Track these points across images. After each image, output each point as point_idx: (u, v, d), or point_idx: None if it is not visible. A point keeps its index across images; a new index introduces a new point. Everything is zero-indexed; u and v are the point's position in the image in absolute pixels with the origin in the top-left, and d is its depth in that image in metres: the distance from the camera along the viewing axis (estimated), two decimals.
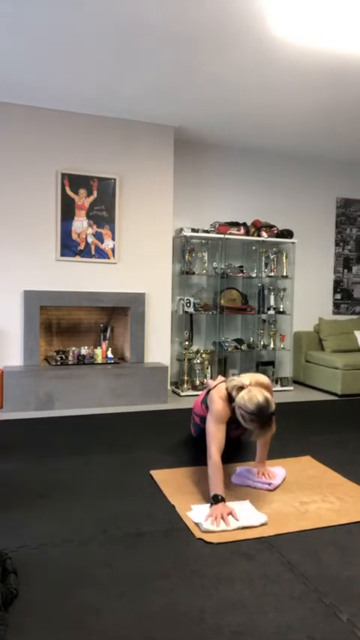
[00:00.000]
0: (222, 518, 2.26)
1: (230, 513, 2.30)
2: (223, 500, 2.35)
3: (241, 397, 2.48)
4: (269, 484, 2.69)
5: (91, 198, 4.77)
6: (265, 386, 2.72)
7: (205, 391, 3.07)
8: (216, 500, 2.35)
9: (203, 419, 2.99)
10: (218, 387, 2.70)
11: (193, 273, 5.37)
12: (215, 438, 2.54)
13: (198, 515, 2.34)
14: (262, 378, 2.77)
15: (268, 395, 2.49)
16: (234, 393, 2.55)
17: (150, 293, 5.05)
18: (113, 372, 4.65)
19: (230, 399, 2.61)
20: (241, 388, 2.55)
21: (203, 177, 5.64)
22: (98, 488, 2.67)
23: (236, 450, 3.35)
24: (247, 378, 2.65)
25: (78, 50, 3.55)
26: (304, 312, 6.13)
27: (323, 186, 6.17)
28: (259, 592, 1.79)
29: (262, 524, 2.27)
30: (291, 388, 5.60)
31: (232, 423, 2.71)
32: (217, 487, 2.41)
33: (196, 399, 3.28)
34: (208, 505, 2.39)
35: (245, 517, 2.31)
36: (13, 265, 4.58)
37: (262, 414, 2.41)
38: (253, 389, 2.51)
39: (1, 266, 4.55)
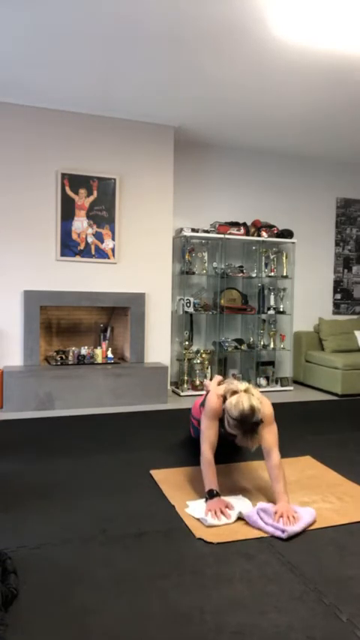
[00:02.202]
0: (221, 512, 2.34)
1: (227, 506, 2.38)
2: (218, 495, 2.43)
3: (229, 402, 2.46)
4: (282, 531, 2.18)
5: (91, 198, 4.77)
6: (265, 404, 2.60)
7: (204, 395, 3.05)
8: (211, 495, 2.43)
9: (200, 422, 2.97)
10: (216, 387, 2.68)
11: (193, 273, 5.37)
12: (207, 435, 2.59)
13: (196, 510, 2.40)
14: (265, 400, 2.62)
15: (255, 403, 2.42)
16: (227, 396, 2.53)
17: (150, 293, 5.05)
18: (113, 372, 4.65)
19: (225, 400, 2.57)
20: (234, 392, 2.51)
21: (203, 177, 5.64)
22: (98, 488, 2.67)
23: (235, 451, 3.35)
24: (244, 385, 2.57)
25: (78, 51, 3.55)
26: (304, 312, 6.13)
27: (323, 186, 6.17)
28: (259, 592, 1.79)
29: None
30: (291, 388, 5.60)
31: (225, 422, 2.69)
32: (211, 483, 2.48)
33: (194, 402, 3.26)
34: (203, 500, 2.47)
35: (240, 506, 2.41)
36: (13, 265, 4.58)
37: (244, 421, 2.38)
38: (243, 395, 2.45)
39: (1, 266, 4.55)
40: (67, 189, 4.69)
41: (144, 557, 2.00)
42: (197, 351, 5.39)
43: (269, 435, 2.54)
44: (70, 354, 4.79)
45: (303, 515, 2.31)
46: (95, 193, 4.78)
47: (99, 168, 4.81)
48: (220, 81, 4.01)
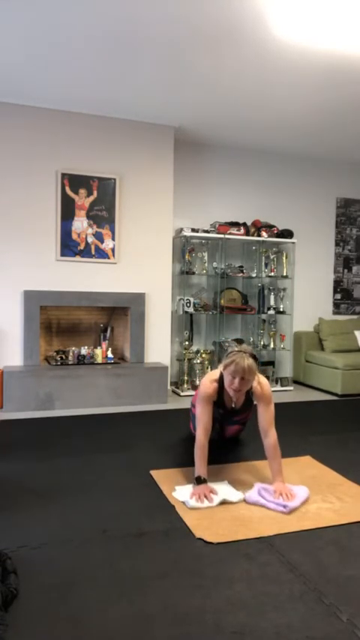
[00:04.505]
0: (205, 496, 2.49)
1: (211, 491, 2.53)
2: (204, 481, 2.59)
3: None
4: (284, 506, 2.39)
5: (91, 198, 4.77)
6: (264, 384, 2.77)
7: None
8: (199, 481, 2.59)
9: None
10: (211, 372, 2.84)
11: (193, 273, 5.37)
12: (201, 419, 2.69)
13: (182, 494, 2.56)
14: (265, 380, 2.80)
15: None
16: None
17: (150, 293, 5.05)
18: (113, 372, 4.65)
19: (222, 379, 2.75)
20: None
21: (203, 177, 5.64)
22: (98, 488, 2.67)
23: (233, 449, 3.35)
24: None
25: (78, 51, 3.55)
26: (304, 312, 6.13)
27: (323, 186, 6.17)
28: (259, 592, 1.78)
29: (240, 501, 2.50)
30: (291, 388, 5.60)
31: (220, 407, 2.87)
32: (200, 470, 2.63)
33: (195, 392, 3.32)
34: (191, 485, 2.64)
35: (225, 493, 2.56)
36: (13, 265, 4.58)
37: (237, 351, 2.60)
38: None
39: (1, 266, 4.55)
40: (67, 189, 4.69)
41: (144, 557, 2.00)
42: (197, 351, 5.39)
43: (267, 414, 2.68)
44: (70, 354, 4.79)
45: (298, 492, 2.54)
46: (95, 193, 4.78)
47: (99, 169, 4.81)
48: (220, 81, 4.00)
